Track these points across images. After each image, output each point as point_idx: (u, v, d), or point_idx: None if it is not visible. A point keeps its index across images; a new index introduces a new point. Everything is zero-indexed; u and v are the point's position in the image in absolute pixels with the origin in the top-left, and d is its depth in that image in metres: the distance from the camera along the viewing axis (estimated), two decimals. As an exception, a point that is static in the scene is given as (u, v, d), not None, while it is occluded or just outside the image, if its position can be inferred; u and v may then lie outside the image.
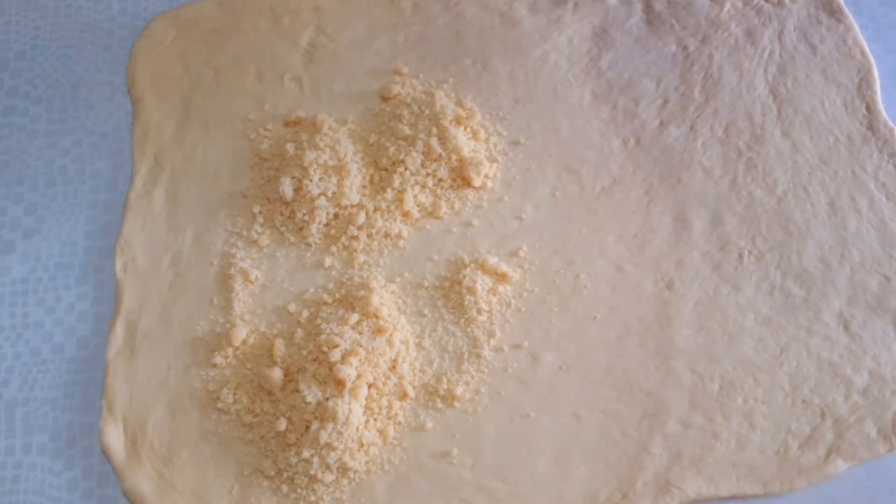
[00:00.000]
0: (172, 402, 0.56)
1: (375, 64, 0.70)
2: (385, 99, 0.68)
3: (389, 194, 0.63)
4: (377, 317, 0.57)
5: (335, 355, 0.55)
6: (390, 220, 0.62)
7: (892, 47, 0.70)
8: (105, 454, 0.54)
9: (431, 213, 0.63)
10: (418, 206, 0.63)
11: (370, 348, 0.56)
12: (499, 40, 0.71)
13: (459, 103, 0.67)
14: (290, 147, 0.64)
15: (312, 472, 0.54)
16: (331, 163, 0.63)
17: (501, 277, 0.60)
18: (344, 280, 0.60)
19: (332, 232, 0.62)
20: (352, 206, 0.62)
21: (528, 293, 0.60)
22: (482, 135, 0.66)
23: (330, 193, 0.62)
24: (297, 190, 0.62)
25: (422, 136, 0.64)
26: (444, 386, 0.57)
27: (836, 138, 0.66)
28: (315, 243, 0.62)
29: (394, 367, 0.57)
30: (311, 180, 0.62)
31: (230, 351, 0.58)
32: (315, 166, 0.62)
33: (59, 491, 0.54)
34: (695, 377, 0.57)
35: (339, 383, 0.54)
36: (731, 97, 0.67)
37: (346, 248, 0.62)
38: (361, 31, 0.71)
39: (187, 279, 0.60)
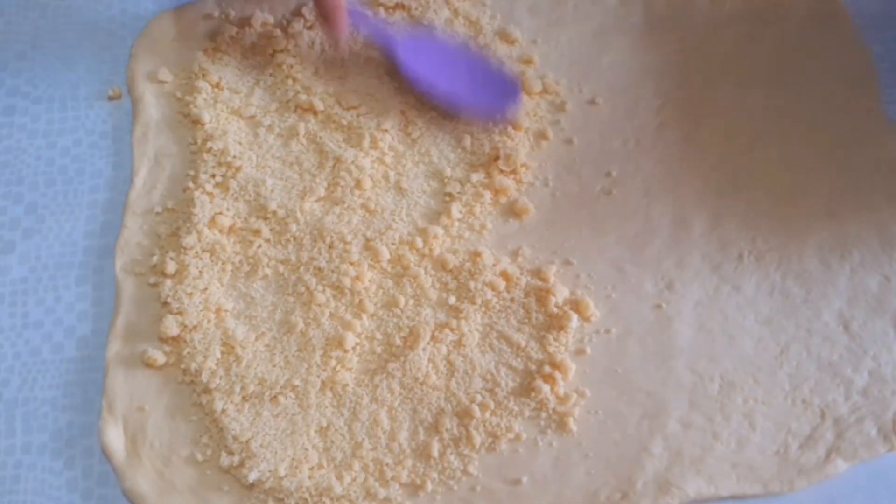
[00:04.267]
0: (172, 402, 0.56)
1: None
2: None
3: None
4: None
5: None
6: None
7: (892, 47, 0.70)
8: (105, 454, 0.54)
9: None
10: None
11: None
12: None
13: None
14: (290, 147, 0.64)
15: (312, 471, 0.54)
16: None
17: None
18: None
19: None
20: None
21: (527, 293, 0.60)
22: (483, 135, 0.66)
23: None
24: (297, 190, 0.63)
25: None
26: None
27: (836, 138, 0.65)
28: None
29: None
30: (311, 180, 0.62)
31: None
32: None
33: (58, 491, 0.54)
34: (695, 377, 0.57)
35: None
36: (731, 98, 0.67)
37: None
38: (362, 31, 0.71)
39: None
